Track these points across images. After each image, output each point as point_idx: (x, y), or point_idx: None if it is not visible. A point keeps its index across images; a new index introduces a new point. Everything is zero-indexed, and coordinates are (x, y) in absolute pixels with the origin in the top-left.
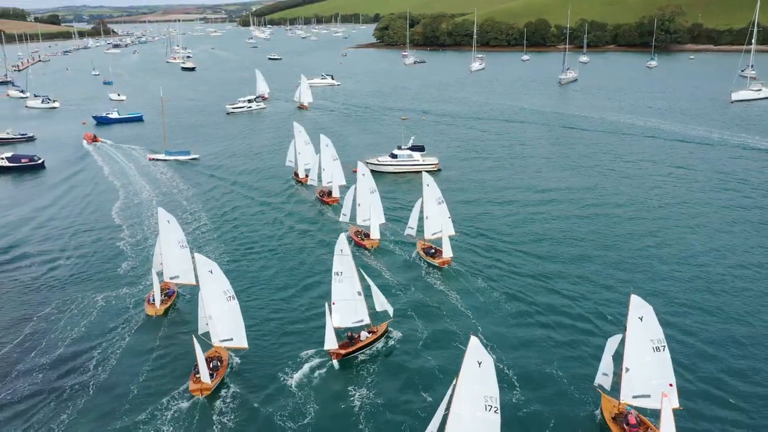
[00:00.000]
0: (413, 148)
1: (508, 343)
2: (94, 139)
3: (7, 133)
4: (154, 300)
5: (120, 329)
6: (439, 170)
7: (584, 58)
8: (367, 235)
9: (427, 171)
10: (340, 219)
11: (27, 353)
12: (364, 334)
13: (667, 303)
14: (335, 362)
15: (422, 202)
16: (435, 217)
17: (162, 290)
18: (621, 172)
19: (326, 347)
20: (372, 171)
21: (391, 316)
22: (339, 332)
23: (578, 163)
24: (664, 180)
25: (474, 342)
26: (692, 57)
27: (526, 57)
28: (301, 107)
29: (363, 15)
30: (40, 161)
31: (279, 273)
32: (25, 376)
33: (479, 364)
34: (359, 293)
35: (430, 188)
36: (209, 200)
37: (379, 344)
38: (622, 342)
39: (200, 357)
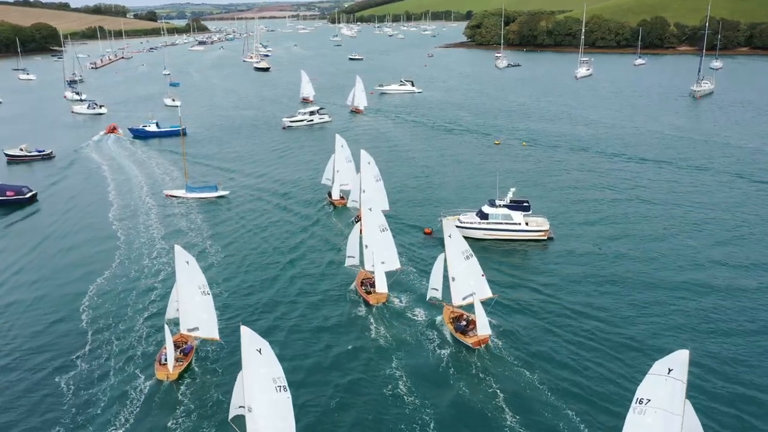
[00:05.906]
0: (512, 206)
1: None
2: (113, 130)
3: (21, 150)
4: (166, 360)
5: (117, 403)
6: (550, 239)
7: (717, 64)
8: (375, 285)
9: (534, 240)
10: (346, 264)
11: None
12: None
13: None
14: None
15: (445, 258)
16: (463, 277)
17: (177, 346)
18: None
19: None
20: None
21: None
22: None
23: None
24: None
25: None
26: None
27: (640, 60)
28: (355, 111)
29: (455, 12)
30: (28, 195)
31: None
32: None
33: None
34: None
35: (453, 240)
36: (232, 248)
37: None
38: None
39: None
